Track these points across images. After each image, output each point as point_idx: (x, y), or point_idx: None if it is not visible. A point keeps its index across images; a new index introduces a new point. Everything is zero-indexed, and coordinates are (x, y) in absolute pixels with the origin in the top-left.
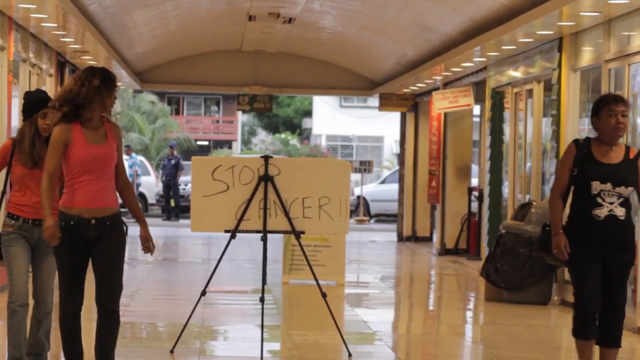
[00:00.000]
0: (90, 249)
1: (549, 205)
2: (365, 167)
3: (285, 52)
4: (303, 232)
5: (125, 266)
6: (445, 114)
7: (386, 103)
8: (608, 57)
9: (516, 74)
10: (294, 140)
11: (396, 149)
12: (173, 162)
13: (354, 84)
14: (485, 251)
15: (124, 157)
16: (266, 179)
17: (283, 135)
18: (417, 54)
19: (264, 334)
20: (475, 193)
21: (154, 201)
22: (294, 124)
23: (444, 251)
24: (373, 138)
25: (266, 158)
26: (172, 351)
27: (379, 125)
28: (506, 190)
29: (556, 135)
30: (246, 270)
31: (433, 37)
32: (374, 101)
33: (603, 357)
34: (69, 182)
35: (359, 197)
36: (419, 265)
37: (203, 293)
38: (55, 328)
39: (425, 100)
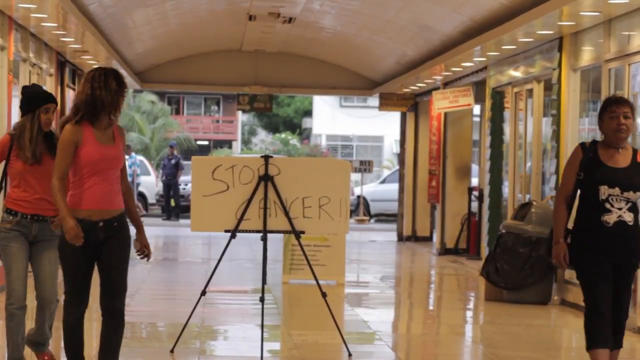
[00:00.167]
0: (97, 251)
1: (553, 210)
2: (365, 167)
3: (285, 52)
4: (303, 232)
5: None
6: (445, 114)
7: (386, 103)
8: (608, 57)
9: (516, 73)
10: (294, 140)
11: (396, 148)
12: (173, 161)
13: (354, 84)
14: (485, 251)
15: None
16: (266, 178)
17: (283, 135)
18: (417, 53)
19: (264, 334)
20: (475, 193)
21: (154, 201)
22: (294, 124)
23: (444, 251)
24: (373, 138)
25: (266, 158)
26: (172, 351)
27: (379, 125)
28: (506, 190)
29: (556, 135)
30: (246, 270)
31: (433, 36)
32: (374, 101)
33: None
34: (76, 184)
35: (359, 196)
36: (419, 265)
37: (203, 293)
38: (57, 319)
39: (425, 100)
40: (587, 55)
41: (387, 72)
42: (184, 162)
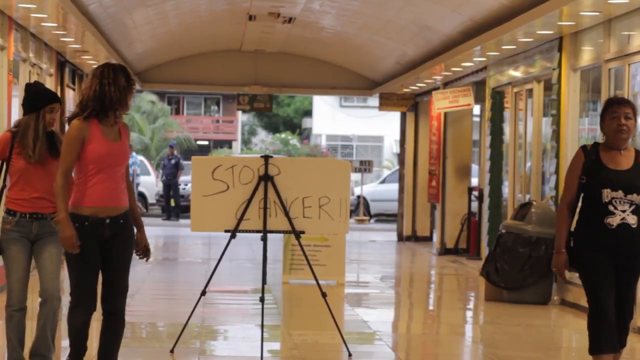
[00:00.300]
0: (102, 249)
1: (556, 216)
2: (365, 166)
3: (285, 51)
4: (303, 232)
5: None
6: (445, 114)
7: (386, 103)
8: (608, 57)
9: (516, 73)
10: (294, 140)
11: (396, 148)
12: (173, 161)
13: (354, 84)
14: (485, 251)
15: None
16: (266, 178)
17: (283, 135)
18: (417, 53)
19: (264, 334)
20: (475, 193)
21: (154, 201)
22: (294, 124)
23: (444, 251)
24: (373, 138)
25: (266, 158)
26: (172, 351)
27: (379, 125)
28: (506, 190)
29: (556, 135)
30: (246, 270)
31: (433, 36)
32: (374, 101)
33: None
34: (81, 181)
35: (359, 196)
36: (419, 265)
37: (203, 293)
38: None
39: (425, 100)
40: (587, 55)
41: (387, 72)
42: (184, 162)
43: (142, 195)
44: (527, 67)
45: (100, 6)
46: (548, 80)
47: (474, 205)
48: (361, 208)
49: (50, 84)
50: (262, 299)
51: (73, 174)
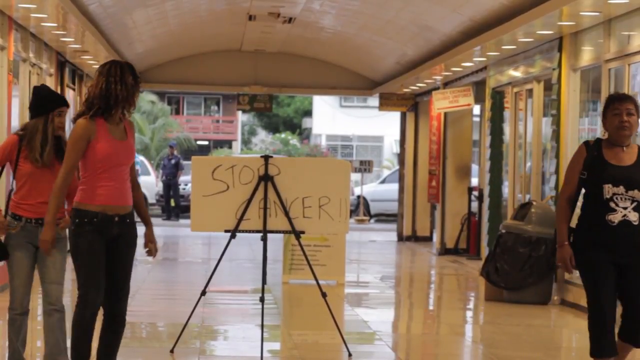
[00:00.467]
0: (108, 248)
1: (556, 210)
2: (365, 167)
3: (285, 52)
4: (303, 232)
5: None
6: (445, 114)
7: (386, 103)
8: (608, 57)
9: (516, 73)
10: (294, 140)
11: (396, 148)
12: (173, 161)
13: (354, 84)
14: (485, 251)
15: None
16: (266, 178)
17: (283, 135)
18: (417, 53)
19: (264, 334)
20: (475, 193)
21: (154, 201)
22: (294, 124)
23: (444, 251)
24: (373, 138)
25: (266, 158)
26: (172, 351)
27: (379, 125)
28: (506, 190)
29: (556, 135)
30: (246, 270)
31: (433, 37)
32: (374, 101)
33: (620, 349)
34: (88, 179)
35: (359, 196)
36: (419, 265)
37: (203, 293)
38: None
39: (425, 100)
40: (587, 55)
41: (387, 72)
42: (184, 162)
43: None
44: (527, 67)
45: (100, 6)
46: (548, 80)
47: (474, 205)
48: (361, 208)
49: (50, 84)
50: (262, 299)
51: (76, 173)
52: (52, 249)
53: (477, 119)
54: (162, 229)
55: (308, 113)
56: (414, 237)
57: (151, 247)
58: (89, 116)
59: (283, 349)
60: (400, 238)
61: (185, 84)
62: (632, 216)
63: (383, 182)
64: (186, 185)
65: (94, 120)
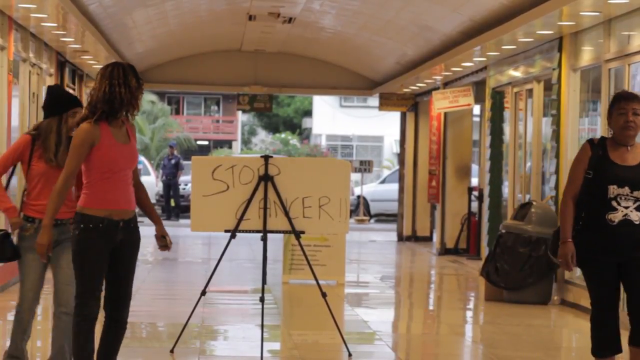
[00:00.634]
0: (111, 254)
1: (560, 208)
2: (365, 166)
3: (285, 52)
4: (303, 232)
5: None
6: (445, 114)
7: (386, 103)
8: (608, 57)
9: (516, 73)
10: (294, 140)
11: (396, 148)
12: (173, 161)
13: (354, 84)
14: (485, 251)
15: None
16: (266, 178)
17: (283, 135)
18: (417, 53)
19: (264, 334)
20: (475, 193)
21: (154, 201)
22: (294, 124)
23: (444, 251)
24: (373, 138)
25: (266, 158)
26: (172, 351)
27: (379, 125)
28: (506, 190)
29: (556, 135)
30: (246, 270)
31: (433, 36)
32: (374, 101)
33: (633, 356)
34: (92, 183)
35: (359, 196)
36: (419, 265)
37: (203, 293)
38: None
39: (425, 100)
40: (587, 55)
41: (387, 72)
42: (184, 162)
43: None
44: (527, 67)
45: (100, 6)
46: (548, 80)
47: (474, 205)
48: (361, 208)
49: (50, 84)
50: (262, 299)
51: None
52: (47, 254)
53: (477, 119)
54: None
55: (308, 113)
56: (414, 237)
57: (166, 240)
58: (92, 120)
59: (283, 349)
60: (400, 238)
61: (185, 84)
62: (634, 215)
63: (383, 182)
64: (186, 185)
65: (97, 125)
